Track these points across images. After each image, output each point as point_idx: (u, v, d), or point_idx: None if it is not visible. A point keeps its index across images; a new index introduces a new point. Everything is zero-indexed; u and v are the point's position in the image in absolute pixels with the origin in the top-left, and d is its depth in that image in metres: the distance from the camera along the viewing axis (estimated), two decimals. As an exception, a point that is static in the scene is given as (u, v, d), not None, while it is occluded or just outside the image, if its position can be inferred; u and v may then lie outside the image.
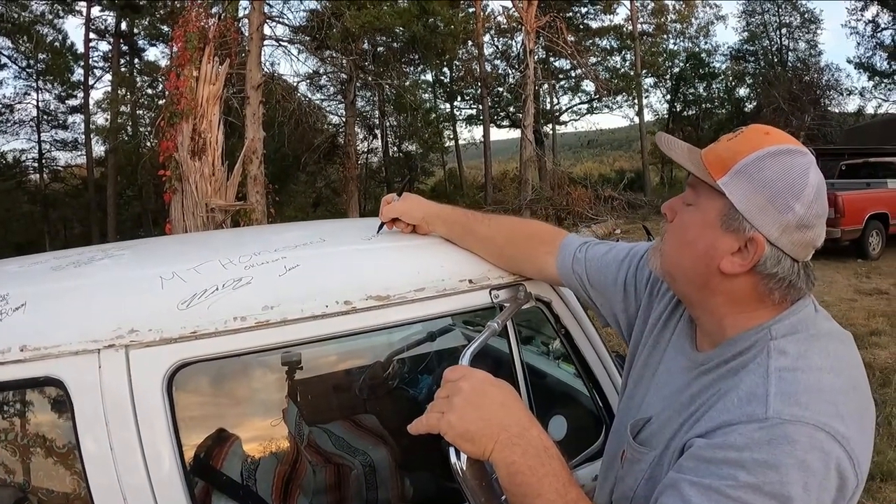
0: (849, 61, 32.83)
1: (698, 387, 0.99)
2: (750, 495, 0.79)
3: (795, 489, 0.79)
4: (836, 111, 30.19)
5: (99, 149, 27.39)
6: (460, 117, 33.82)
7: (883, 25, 30.58)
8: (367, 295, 1.34)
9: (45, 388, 1.28)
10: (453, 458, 0.92)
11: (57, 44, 26.19)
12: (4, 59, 25.50)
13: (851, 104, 32.14)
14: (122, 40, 26.67)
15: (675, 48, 35.08)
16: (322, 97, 26.57)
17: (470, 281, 1.47)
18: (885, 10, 30.10)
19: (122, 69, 26.99)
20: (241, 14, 16.37)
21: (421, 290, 1.40)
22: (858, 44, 31.54)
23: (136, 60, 28.42)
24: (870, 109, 31.68)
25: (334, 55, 21.12)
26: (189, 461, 1.28)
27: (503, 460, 0.91)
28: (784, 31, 33.42)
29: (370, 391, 2.51)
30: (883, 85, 31.07)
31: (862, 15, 31.10)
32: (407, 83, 24.01)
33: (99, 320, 1.22)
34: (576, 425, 1.76)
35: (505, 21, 30.19)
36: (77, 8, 25.59)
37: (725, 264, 0.95)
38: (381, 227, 1.62)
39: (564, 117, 35.02)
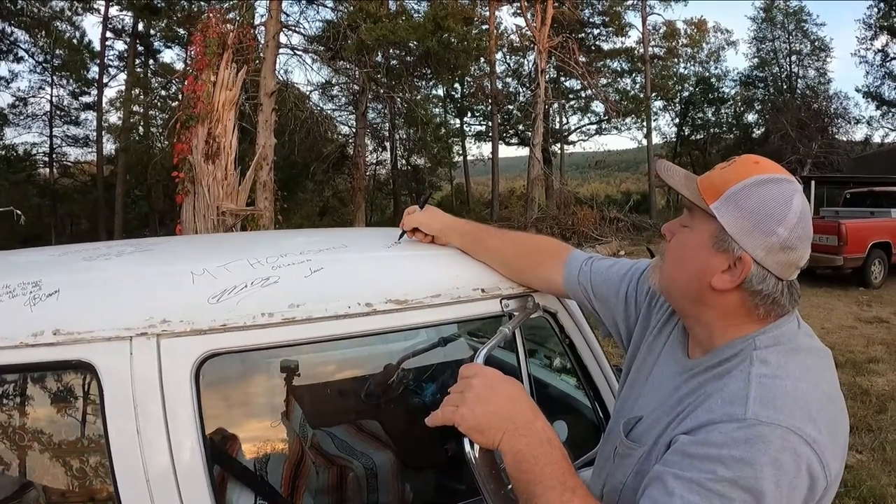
0: (857, 90, 33.01)
1: (686, 389, 1.07)
2: (727, 488, 0.87)
3: (768, 485, 0.86)
4: (844, 139, 30.27)
5: (110, 147, 27.62)
6: (470, 133, 34.05)
7: (892, 55, 30.77)
8: (386, 298, 1.42)
9: (76, 371, 1.34)
10: (467, 448, 1.00)
11: (74, 40, 26.43)
12: (21, 53, 25.74)
13: (859, 133, 32.32)
14: (138, 40, 26.89)
15: (686, 72, 35.27)
16: (334, 107, 26.80)
17: (482, 290, 1.54)
18: (894, 40, 30.26)
19: (137, 69, 27.19)
20: (257, 21, 16.54)
21: (437, 297, 1.48)
22: (867, 73, 31.81)
23: (151, 61, 28.65)
24: (877, 138, 31.87)
25: (348, 66, 21.28)
26: (211, 448, 1.33)
27: (510, 449, 0.99)
28: (794, 58, 33.63)
29: (377, 397, 2.57)
30: (891, 114, 31.25)
31: (871, 44, 31.33)
32: (418, 97, 24.13)
33: (132, 309, 1.27)
34: (576, 431, 1.83)
35: (518, 40, 30.45)
36: (95, 6, 25.84)
37: (716, 281, 1.03)
38: (401, 235, 1.71)
39: (573, 137, 35.23)
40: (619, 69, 33.50)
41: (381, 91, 22.09)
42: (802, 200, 1.02)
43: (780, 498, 0.87)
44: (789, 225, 0.99)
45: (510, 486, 1.00)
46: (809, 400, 0.94)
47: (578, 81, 29.09)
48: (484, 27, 27.06)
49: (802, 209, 1.01)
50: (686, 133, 36.07)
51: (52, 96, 27.34)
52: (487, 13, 26.98)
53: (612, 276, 1.41)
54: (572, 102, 33.96)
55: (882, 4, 30.17)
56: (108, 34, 26.50)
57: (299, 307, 1.34)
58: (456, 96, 31.76)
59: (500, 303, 1.56)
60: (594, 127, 34.38)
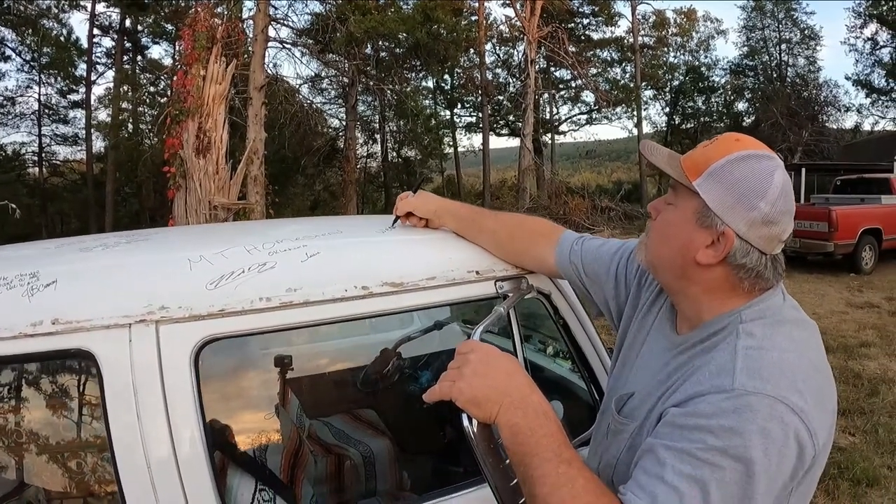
0: (847, 78, 33.04)
1: (675, 364, 1.10)
2: (717, 457, 0.89)
3: (756, 453, 0.88)
4: (834, 127, 30.36)
5: (99, 145, 27.45)
6: (460, 124, 33.91)
7: (882, 43, 30.84)
8: (382, 281, 1.44)
9: (75, 359, 1.34)
10: (465, 423, 1.02)
11: (61, 38, 26.25)
12: (9, 52, 25.54)
13: (849, 121, 32.34)
14: (125, 37, 26.71)
15: (676, 61, 35.27)
16: (323, 100, 26.70)
17: (477, 272, 1.56)
18: (883, 29, 30.36)
19: (125, 66, 27.04)
20: (246, 15, 16.47)
21: (432, 279, 1.50)
22: (857, 61, 31.88)
23: (139, 58, 28.47)
24: (867, 126, 31.92)
25: (337, 59, 21.21)
26: (211, 434, 1.34)
27: (506, 422, 1.00)
28: (784, 46, 33.61)
29: (373, 384, 2.59)
30: (880, 102, 31.33)
31: (861, 32, 31.40)
32: (408, 89, 24.07)
33: (130, 296, 1.28)
34: (571, 412, 1.85)
35: (507, 30, 30.41)
36: (82, 3, 25.65)
37: (700, 256, 1.06)
38: (395, 220, 1.73)
39: (564, 127, 35.16)
40: (608, 59, 33.49)
41: (371, 83, 22.01)
42: (784, 175, 1.04)
43: (770, 466, 0.89)
44: (771, 199, 1.01)
45: (508, 461, 1.01)
46: (796, 370, 0.96)
47: (568, 71, 29.14)
48: (473, 18, 27.00)
49: (784, 184, 1.03)
50: (676, 122, 36.07)
51: (40, 95, 27.16)
52: (477, 4, 26.93)
53: (602, 254, 1.43)
54: (562, 92, 33.94)
55: (872, -8, 30.29)
56: (96, 31, 26.32)
57: (296, 291, 1.35)
58: (446, 88, 31.59)
59: (495, 284, 1.57)
60: (584, 117, 34.38)
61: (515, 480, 1.00)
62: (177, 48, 24.68)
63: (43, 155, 27.83)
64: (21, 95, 26.83)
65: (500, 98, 31.43)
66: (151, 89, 26.29)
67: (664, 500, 0.89)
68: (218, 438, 1.61)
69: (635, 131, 32.72)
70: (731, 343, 1.01)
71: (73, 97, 27.82)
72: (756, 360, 0.97)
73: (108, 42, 27.48)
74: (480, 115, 30.21)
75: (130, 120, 26.74)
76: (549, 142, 34.44)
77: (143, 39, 27.93)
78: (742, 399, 0.91)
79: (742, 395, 0.92)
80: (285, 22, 20.03)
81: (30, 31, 25.05)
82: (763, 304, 1.06)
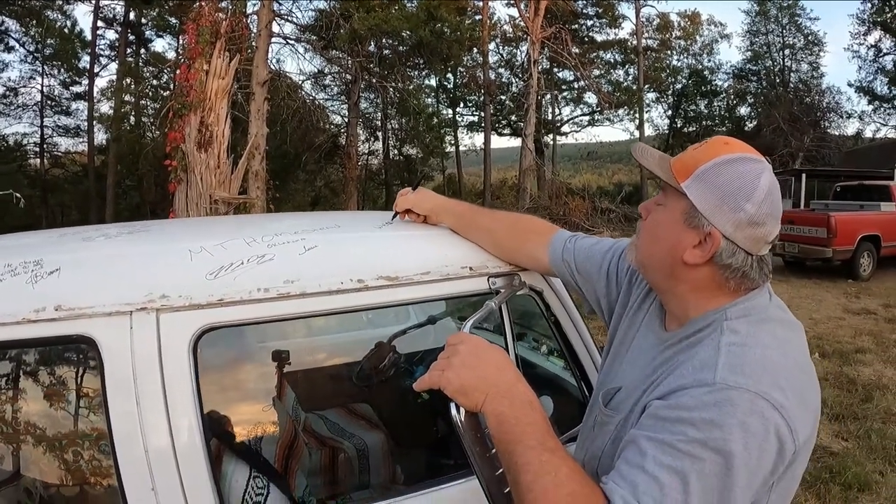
0: (850, 85, 33.17)
1: (661, 359, 1.13)
2: (698, 449, 0.91)
3: (736, 446, 0.91)
4: (836, 133, 30.40)
5: (101, 137, 27.43)
6: (462, 123, 33.90)
7: (885, 51, 30.86)
8: (378, 275, 1.47)
9: (77, 346, 1.37)
10: (454, 412, 1.04)
11: (65, 30, 26.23)
12: (12, 42, 25.52)
13: (850, 127, 32.43)
14: (129, 30, 26.70)
15: (679, 64, 35.29)
16: (326, 97, 26.67)
17: (470, 268, 1.59)
18: (887, 36, 30.39)
19: (129, 59, 27.03)
20: (250, 10, 16.48)
21: (426, 274, 1.53)
22: (860, 68, 31.93)
23: (143, 51, 28.46)
24: (868, 133, 31.97)
25: (340, 56, 21.22)
26: (208, 421, 1.37)
27: (492, 411, 1.02)
28: (787, 52, 33.64)
29: (368, 379, 2.61)
30: (882, 109, 31.38)
31: (865, 39, 31.45)
32: (411, 87, 24.06)
33: (132, 285, 1.31)
34: (561, 409, 1.88)
35: (511, 30, 30.36)
36: (87, -6, 25.62)
37: (688, 256, 1.09)
38: (394, 215, 1.76)
39: (565, 128, 35.14)
40: (612, 60, 33.45)
41: (374, 81, 22.00)
42: (770, 178, 1.06)
43: (749, 460, 0.91)
44: (757, 201, 1.03)
45: (494, 450, 1.04)
46: (778, 367, 0.99)
47: (571, 72, 29.16)
48: (477, 17, 26.99)
49: (770, 186, 1.05)
50: (678, 125, 36.08)
51: (42, 86, 27.16)
52: (481, 3, 26.92)
53: (594, 253, 1.46)
54: (565, 93, 33.93)
55: (876, 0, 30.29)
56: (100, 23, 26.30)
57: (294, 283, 1.38)
58: (448, 86, 31.57)
59: (488, 280, 1.61)
60: (586, 118, 34.38)
61: (501, 470, 1.02)
62: (180, 42, 24.66)
63: (44, 146, 27.83)
64: (24, 86, 26.87)
65: (503, 98, 31.42)
66: (154, 82, 26.30)
67: (645, 489, 0.92)
68: (215, 426, 1.63)
69: (637, 133, 32.71)
70: (714, 339, 1.04)
71: (76, 89, 27.83)
72: (738, 356, 0.99)
73: (111, 34, 27.50)
74: (482, 114, 30.19)
75: (133, 113, 26.74)
76: (551, 142, 34.43)
77: (147, 32, 27.95)
78: (723, 393, 0.94)
79: (723, 389, 0.94)
80: (289, 18, 20.04)
81: (34, 21, 25.01)
82: (748, 303, 1.09)
